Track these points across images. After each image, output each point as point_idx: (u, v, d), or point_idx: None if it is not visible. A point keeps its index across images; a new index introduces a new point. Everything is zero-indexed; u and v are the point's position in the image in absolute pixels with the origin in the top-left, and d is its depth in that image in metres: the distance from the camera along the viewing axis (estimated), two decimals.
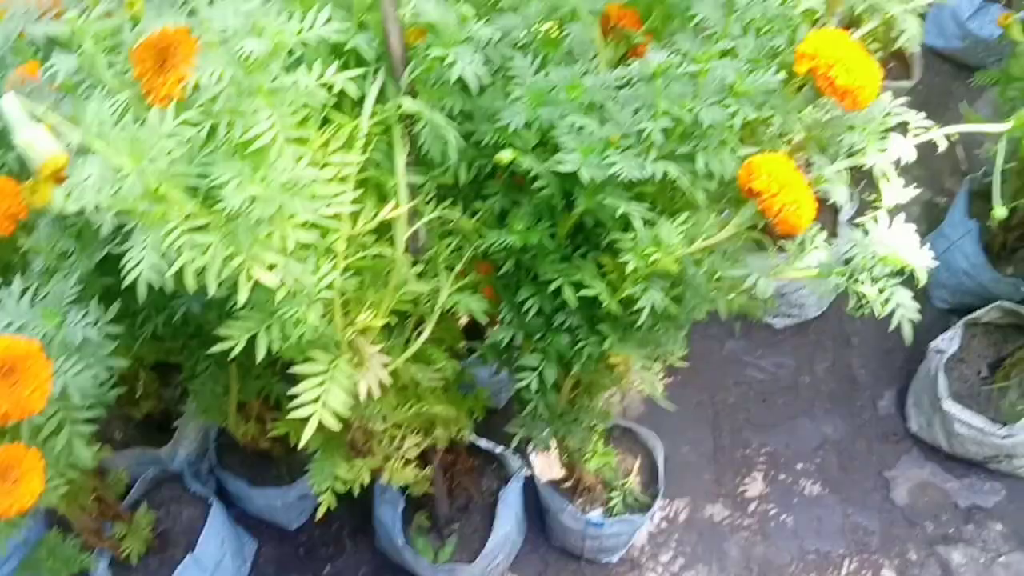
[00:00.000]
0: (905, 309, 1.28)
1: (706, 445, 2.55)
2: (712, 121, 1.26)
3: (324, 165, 1.24)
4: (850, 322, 2.69)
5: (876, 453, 2.53)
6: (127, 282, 1.09)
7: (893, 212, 1.37)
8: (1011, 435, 2.30)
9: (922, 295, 2.77)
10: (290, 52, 1.13)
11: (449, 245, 1.49)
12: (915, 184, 1.45)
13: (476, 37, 1.27)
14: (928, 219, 2.85)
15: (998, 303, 2.45)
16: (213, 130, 1.10)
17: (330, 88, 1.17)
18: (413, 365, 1.57)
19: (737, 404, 2.61)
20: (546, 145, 1.34)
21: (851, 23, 1.48)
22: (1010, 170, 1.93)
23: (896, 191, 1.40)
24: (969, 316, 2.46)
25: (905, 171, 1.42)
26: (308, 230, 1.20)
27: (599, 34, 1.38)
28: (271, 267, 1.16)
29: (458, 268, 1.49)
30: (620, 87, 1.35)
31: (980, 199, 2.55)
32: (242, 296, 1.15)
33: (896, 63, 2.77)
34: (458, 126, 1.44)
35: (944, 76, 3.21)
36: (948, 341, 2.42)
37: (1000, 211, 1.57)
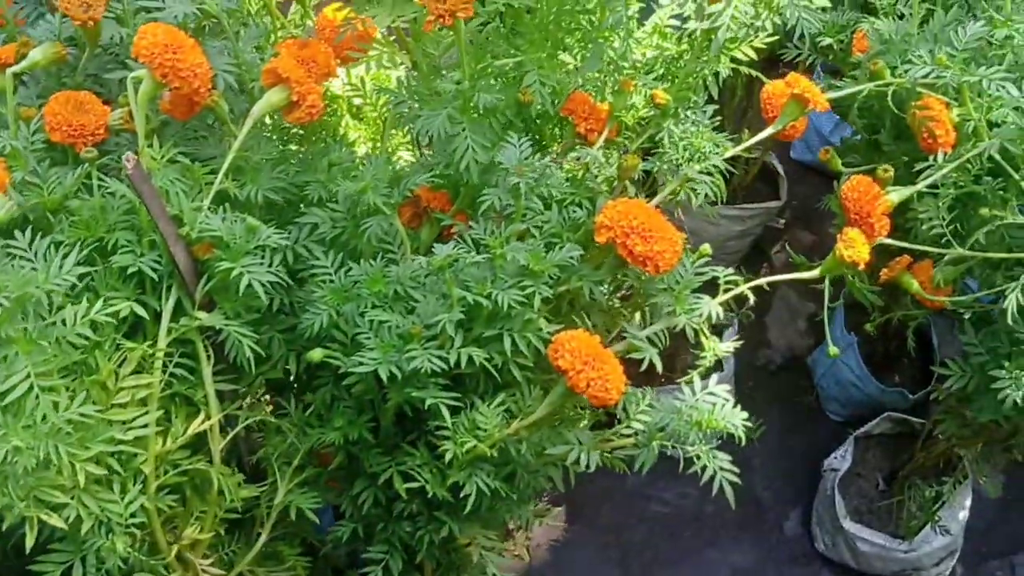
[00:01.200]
0: (724, 473, 1.27)
1: None
2: (510, 304, 1.26)
3: (119, 391, 1.22)
4: (748, 445, 2.67)
5: None
6: None
7: (707, 372, 1.37)
8: (913, 550, 2.28)
9: (817, 409, 2.81)
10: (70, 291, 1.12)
11: (283, 441, 1.46)
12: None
13: (267, 245, 1.27)
14: (816, 332, 2.87)
15: (886, 414, 2.45)
16: None
17: (117, 315, 1.16)
18: (260, 568, 1.52)
19: (644, 541, 2.57)
20: (355, 340, 1.34)
21: (651, 189, 1.50)
22: (876, 289, 1.94)
23: (716, 348, 1.40)
24: (859, 430, 2.46)
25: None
26: (103, 460, 1.17)
27: (400, 224, 1.38)
28: (57, 508, 1.13)
29: (295, 463, 1.47)
30: (428, 275, 1.35)
31: (856, 312, 2.57)
32: (29, 541, 1.12)
33: (763, 185, 2.83)
34: (283, 319, 1.45)
35: (814, 188, 3.25)
36: (841, 459, 2.42)
37: (833, 350, 1.58)
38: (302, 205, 1.46)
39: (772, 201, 2.77)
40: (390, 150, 1.73)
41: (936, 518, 2.26)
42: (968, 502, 2.34)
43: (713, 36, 1.42)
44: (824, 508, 2.45)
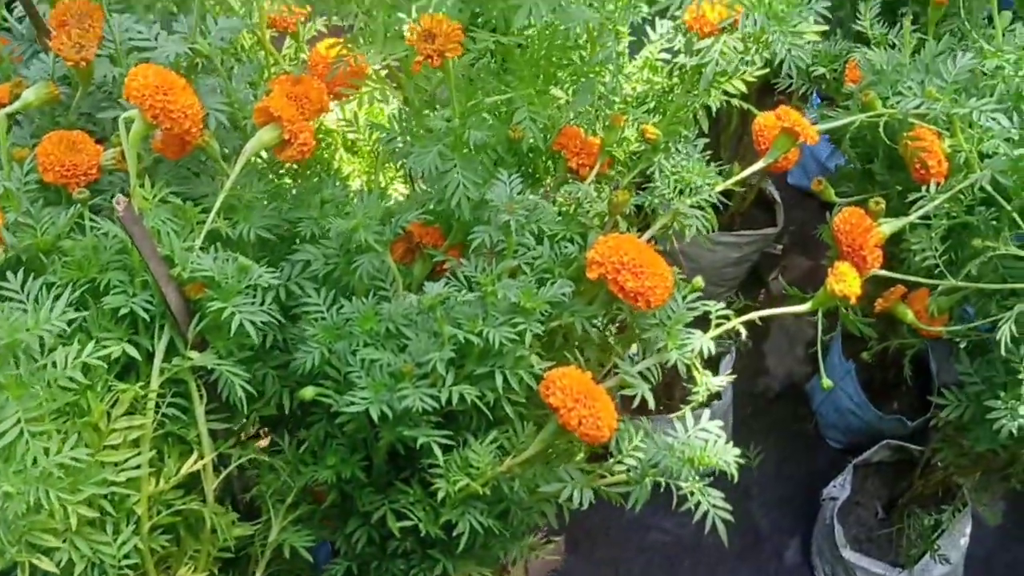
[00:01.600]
0: (717, 510, 1.27)
1: None
2: (501, 341, 1.26)
3: (111, 432, 1.22)
4: (747, 472, 2.66)
5: None
6: None
7: (707, 401, 1.37)
8: None
9: (816, 436, 2.80)
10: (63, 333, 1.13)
11: (277, 479, 1.46)
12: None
13: (259, 285, 1.28)
14: (814, 359, 2.86)
15: (885, 442, 2.44)
16: None
17: (109, 357, 1.16)
18: None
19: (642, 572, 2.56)
20: (347, 378, 1.34)
21: (644, 221, 1.51)
22: (869, 322, 1.95)
23: (708, 383, 1.40)
24: (858, 458, 2.45)
25: None
26: (95, 502, 1.17)
27: (391, 261, 1.38)
28: (48, 551, 1.13)
29: (289, 500, 1.46)
30: (419, 313, 1.35)
31: (853, 339, 2.56)
32: None
33: (760, 211, 2.83)
34: (277, 355, 1.45)
35: (811, 214, 3.26)
36: (840, 487, 2.41)
37: (827, 383, 1.58)
38: (296, 240, 1.47)
39: (769, 228, 2.78)
40: (384, 184, 1.73)
41: (936, 547, 2.24)
42: (968, 529, 2.33)
43: (703, 71, 1.42)
44: (823, 537, 2.44)
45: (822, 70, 1.97)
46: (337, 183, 1.63)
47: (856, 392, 2.52)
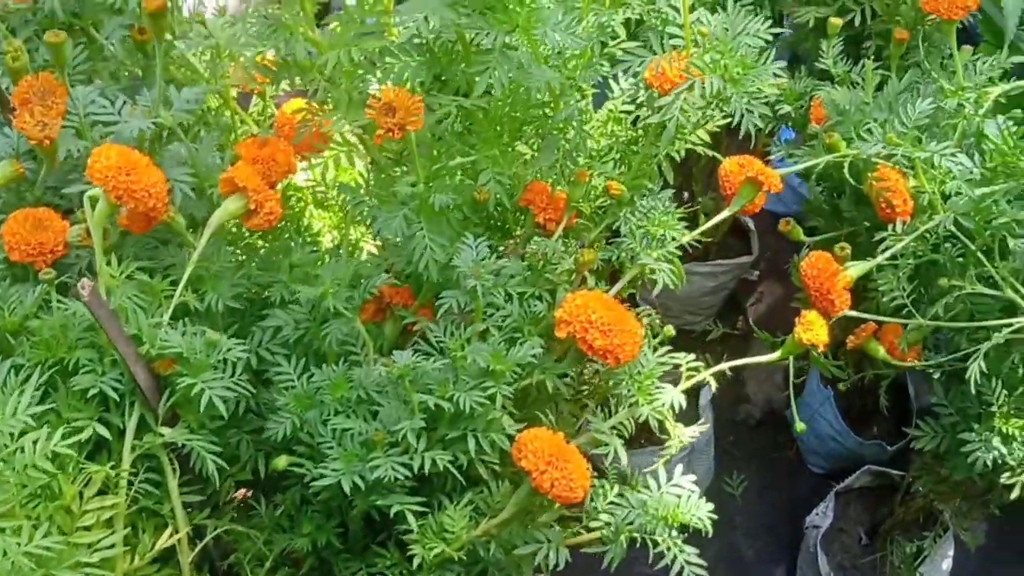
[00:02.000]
0: (692, 567, 1.28)
1: None
2: (472, 406, 1.27)
3: (83, 513, 1.22)
4: (730, 502, 2.68)
5: None
6: None
7: (671, 460, 1.38)
8: None
9: (798, 462, 2.81)
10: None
11: (254, 545, 1.46)
12: None
13: (228, 359, 1.28)
14: (795, 386, 2.87)
15: (866, 468, 2.45)
16: None
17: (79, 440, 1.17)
18: None
19: None
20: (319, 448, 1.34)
21: (614, 273, 1.52)
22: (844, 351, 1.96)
23: (681, 434, 1.41)
24: (840, 485, 2.46)
25: None
26: None
27: (361, 326, 1.39)
28: None
29: (267, 566, 1.47)
30: (390, 381, 1.35)
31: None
32: None
33: (735, 240, 2.84)
34: (251, 419, 1.45)
35: (786, 239, 3.28)
36: (822, 515, 2.41)
37: (800, 426, 1.59)
38: (266, 304, 1.47)
39: (744, 256, 2.79)
40: (355, 238, 1.74)
41: (919, 574, 2.25)
42: (951, 553, 2.34)
43: (666, 125, 1.43)
44: (808, 565, 2.44)
45: (788, 108, 1.99)
46: (307, 240, 1.65)
47: (836, 419, 2.52)
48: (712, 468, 2.65)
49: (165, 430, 1.27)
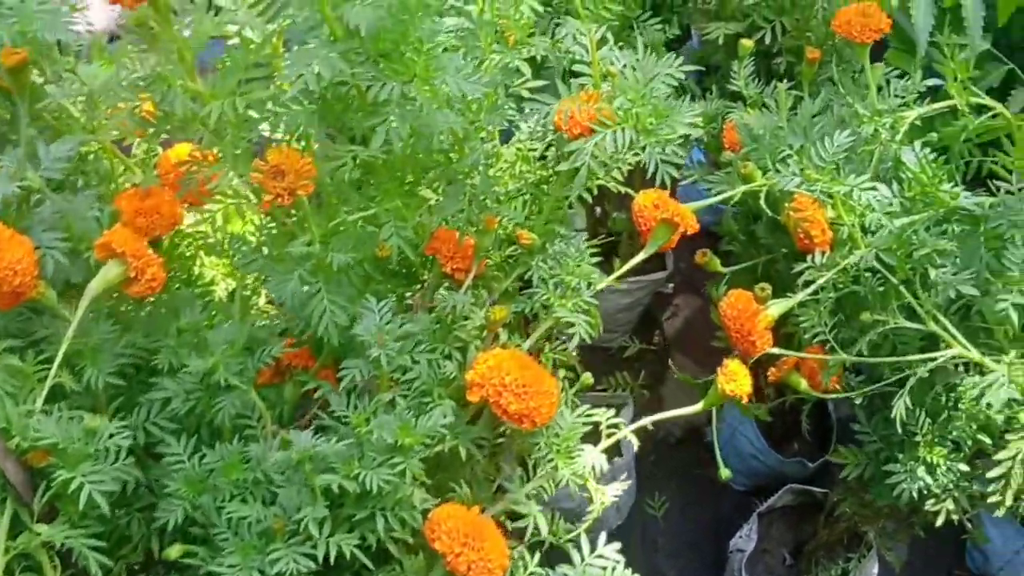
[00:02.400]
0: None
1: None
2: (379, 485, 1.18)
3: None
4: (652, 523, 2.63)
5: None
6: None
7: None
8: None
9: (720, 479, 2.76)
10: None
11: None
12: None
13: (109, 448, 1.17)
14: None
15: (788, 487, 2.42)
16: None
17: None
18: None
19: None
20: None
21: (528, 321, 1.44)
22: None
23: (604, 496, 1.35)
24: (762, 507, 2.43)
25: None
26: None
27: (257, 398, 1.28)
28: None
29: None
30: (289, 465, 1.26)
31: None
32: None
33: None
34: (143, 494, 1.34)
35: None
36: (746, 539, 2.38)
37: (725, 472, 1.54)
38: (154, 371, 1.36)
39: (659, 272, 2.73)
40: (250, 288, 1.62)
41: None
42: (875, 571, 2.32)
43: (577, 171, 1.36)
44: None
45: (699, 131, 1.93)
46: (198, 292, 1.54)
47: (756, 438, 2.49)
48: (633, 489, 2.60)
49: (42, 527, 1.16)
